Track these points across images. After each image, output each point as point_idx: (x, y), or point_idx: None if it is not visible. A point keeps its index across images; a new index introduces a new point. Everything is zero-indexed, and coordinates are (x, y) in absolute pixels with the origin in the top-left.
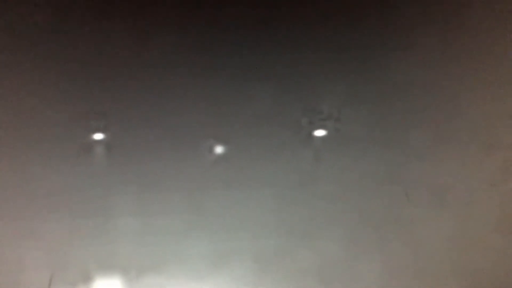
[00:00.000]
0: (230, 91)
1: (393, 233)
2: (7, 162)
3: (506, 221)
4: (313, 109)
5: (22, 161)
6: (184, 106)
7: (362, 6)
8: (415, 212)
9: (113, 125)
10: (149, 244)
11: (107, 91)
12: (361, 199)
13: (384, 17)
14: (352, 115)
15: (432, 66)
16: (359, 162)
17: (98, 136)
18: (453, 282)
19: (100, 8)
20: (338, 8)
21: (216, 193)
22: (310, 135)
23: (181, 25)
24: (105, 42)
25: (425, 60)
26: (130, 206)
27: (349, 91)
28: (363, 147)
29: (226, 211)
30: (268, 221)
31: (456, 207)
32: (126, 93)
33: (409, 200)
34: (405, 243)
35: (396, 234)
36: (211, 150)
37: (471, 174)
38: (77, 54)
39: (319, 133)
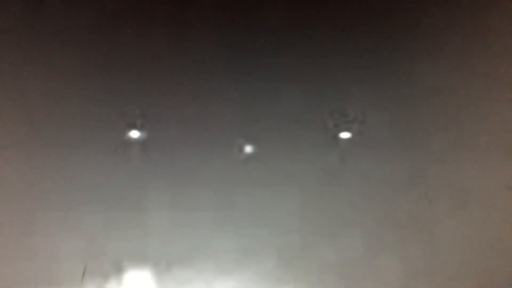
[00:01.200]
0: (261, 93)
1: (414, 234)
2: (47, 157)
3: None
4: (339, 112)
5: (61, 156)
6: (217, 106)
7: (388, 11)
8: (436, 213)
9: (149, 123)
10: (180, 238)
11: (145, 91)
12: (383, 199)
13: (409, 22)
14: (376, 119)
15: (455, 71)
16: (382, 164)
17: (134, 133)
18: (472, 283)
19: (142, 10)
20: (366, 12)
21: (244, 191)
22: (336, 137)
23: (218, 28)
24: (144, 42)
25: (448, 65)
26: (163, 201)
27: (374, 95)
28: (386, 149)
29: (254, 208)
30: (293, 218)
31: (476, 209)
32: (162, 93)
33: (430, 202)
34: (425, 243)
35: (417, 234)
36: (241, 149)
37: (491, 177)
38: (117, 54)
39: (345, 135)
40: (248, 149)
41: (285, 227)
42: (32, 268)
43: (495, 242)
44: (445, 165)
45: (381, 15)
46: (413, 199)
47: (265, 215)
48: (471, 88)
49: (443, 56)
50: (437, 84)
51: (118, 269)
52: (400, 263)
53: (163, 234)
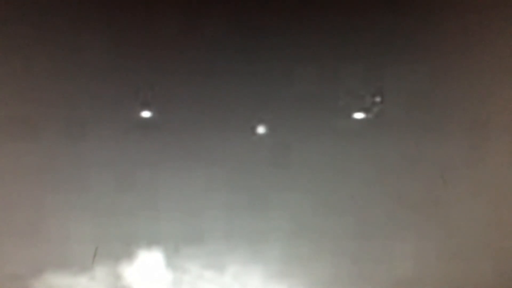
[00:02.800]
0: (275, 73)
1: (429, 215)
2: (58, 138)
3: None
4: (353, 93)
5: (71, 136)
6: (230, 87)
7: None
8: (451, 194)
9: (161, 104)
10: (190, 220)
11: (157, 72)
12: (399, 181)
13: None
14: (392, 99)
15: (474, 50)
16: (397, 145)
17: (146, 114)
18: (487, 265)
19: None
20: None
21: (257, 172)
22: (350, 118)
23: (231, 8)
24: (156, 24)
25: (466, 52)
26: (174, 182)
27: (390, 75)
28: (402, 131)
29: (267, 190)
30: (306, 200)
31: (492, 190)
32: (175, 73)
33: (445, 183)
34: (440, 225)
35: (432, 215)
36: (254, 130)
37: (507, 159)
38: (130, 33)
39: (359, 116)
40: (261, 130)
41: (298, 208)
42: (43, 250)
43: (511, 224)
44: (461, 146)
45: None
46: (429, 180)
47: (277, 197)
48: (490, 74)
49: (464, 41)
50: (455, 69)
51: (129, 251)
52: (415, 245)
53: (174, 215)
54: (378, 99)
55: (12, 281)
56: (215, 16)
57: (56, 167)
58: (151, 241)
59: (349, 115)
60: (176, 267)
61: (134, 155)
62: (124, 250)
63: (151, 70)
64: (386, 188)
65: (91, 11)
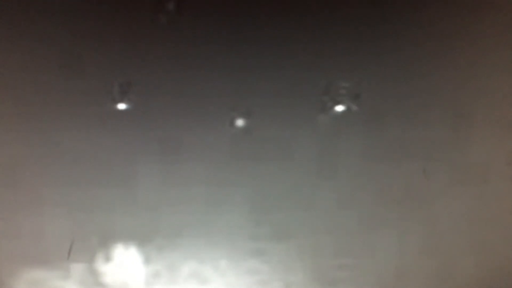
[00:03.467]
0: (255, 64)
1: (411, 210)
2: (32, 130)
3: None
4: (334, 84)
5: (45, 128)
6: (209, 77)
7: None
8: (433, 189)
9: (136, 94)
10: (169, 215)
11: (134, 63)
12: (379, 174)
13: None
14: (373, 91)
15: (455, 43)
16: (378, 138)
17: (122, 106)
18: (470, 260)
19: None
20: None
21: (237, 166)
22: (331, 110)
23: (211, 1)
24: (133, 15)
25: (449, 36)
26: (152, 176)
27: (371, 67)
28: (383, 123)
29: (247, 184)
30: (287, 195)
31: (474, 184)
32: (152, 63)
33: (427, 177)
34: (422, 220)
35: (414, 210)
36: (233, 122)
37: (490, 153)
38: (105, 23)
39: (339, 108)
40: (241, 122)
41: (279, 203)
42: (16, 245)
43: (494, 218)
44: (443, 140)
45: None
46: (411, 174)
47: (258, 192)
48: (472, 61)
49: (443, 27)
50: (436, 56)
51: (105, 246)
52: (397, 240)
53: (152, 210)
54: (359, 93)
55: None
56: (195, 8)
57: (29, 160)
58: (128, 236)
59: (330, 108)
60: (153, 262)
61: (110, 148)
62: (100, 245)
63: (127, 61)
64: (368, 182)
65: (66, 2)
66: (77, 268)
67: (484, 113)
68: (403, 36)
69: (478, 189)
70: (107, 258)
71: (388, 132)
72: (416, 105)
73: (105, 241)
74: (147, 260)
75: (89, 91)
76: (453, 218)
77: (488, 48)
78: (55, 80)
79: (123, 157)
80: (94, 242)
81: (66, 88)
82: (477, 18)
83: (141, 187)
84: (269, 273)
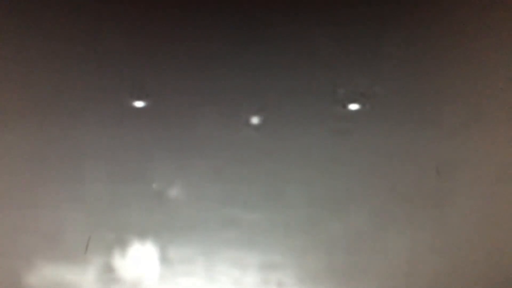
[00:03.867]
0: (269, 63)
1: (423, 208)
2: (50, 126)
3: None
4: (348, 83)
5: (64, 125)
6: (224, 76)
7: None
8: (445, 187)
9: (154, 93)
10: (184, 211)
11: (151, 62)
12: (392, 173)
13: None
14: (386, 90)
15: (468, 41)
16: (391, 137)
17: (139, 103)
18: (482, 258)
19: None
20: None
21: (251, 163)
22: (345, 109)
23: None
24: (150, 14)
25: (461, 35)
26: (168, 173)
27: (384, 66)
28: (396, 122)
29: (260, 181)
30: (300, 192)
31: (486, 183)
32: (168, 62)
33: (439, 176)
34: (434, 219)
35: (426, 209)
36: (248, 121)
37: (502, 151)
38: (122, 21)
39: (353, 107)
40: (255, 120)
41: (292, 201)
42: (34, 241)
43: (506, 217)
44: (455, 138)
45: None
46: (422, 173)
47: (271, 189)
48: (485, 60)
49: (456, 26)
50: (449, 56)
51: (122, 242)
52: (408, 239)
53: (169, 206)
54: (373, 91)
55: (4, 274)
56: (210, 7)
57: (47, 157)
58: (144, 232)
59: (344, 107)
60: (169, 257)
61: (127, 144)
62: (117, 241)
63: (145, 60)
64: (380, 180)
65: (84, 1)
66: (94, 263)
67: (498, 111)
68: (418, 35)
69: (491, 188)
70: (124, 253)
71: (401, 130)
72: (429, 103)
73: (121, 237)
74: (162, 255)
75: (106, 89)
76: (465, 217)
77: (504, 55)
78: (74, 79)
79: (139, 153)
80: (110, 238)
81: (85, 86)
82: (493, 14)
83: (157, 184)
84: (283, 267)
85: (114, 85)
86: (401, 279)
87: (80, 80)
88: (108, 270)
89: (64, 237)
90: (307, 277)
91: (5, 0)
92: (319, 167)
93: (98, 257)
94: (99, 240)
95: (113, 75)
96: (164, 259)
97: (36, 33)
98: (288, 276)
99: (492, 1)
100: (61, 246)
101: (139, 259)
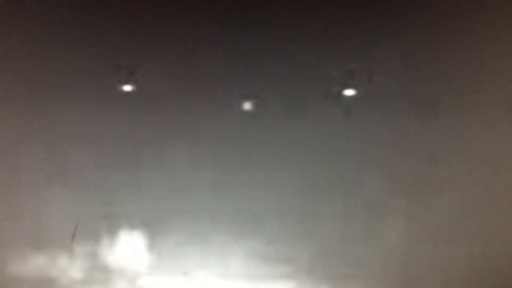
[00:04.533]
0: (262, 47)
1: (420, 196)
2: (37, 110)
3: None
4: (344, 69)
5: (52, 109)
6: (216, 61)
7: None
8: (442, 177)
9: (142, 77)
10: (174, 198)
11: (140, 46)
12: (388, 162)
13: None
14: (383, 76)
15: (467, 29)
16: (388, 124)
17: (127, 87)
18: (478, 248)
19: None
20: None
21: (244, 150)
22: (340, 95)
23: None
24: None
25: (461, 23)
26: (158, 160)
27: (381, 52)
28: (393, 109)
29: (253, 169)
30: (294, 180)
31: (483, 173)
32: (158, 46)
33: (436, 164)
34: (431, 206)
35: (423, 196)
36: (241, 106)
37: (499, 140)
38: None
39: (349, 92)
40: (248, 106)
41: (285, 189)
42: (19, 228)
43: (502, 206)
44: (452, 128)
45: None
46: (419, 162)
47: (264, 176)
48: (482, 50)
49: (453, 16)
50: (447, 45)
51: (110, 229)
52: (404, 228)
53: (157, 193)
54: (369, 77)
55: None
56: None
57: (34, 142)
58: (133, 219)
59: (340, 94)
60: (157, 246)
61: (115, 131)
62: (105, 228)
63: (133, 44)
64: (376, 169)
65: None
66: (81, 250)
67: (495, 102)
68: (417, 21)
69: (488, 178)
70: (112, 241)
71: (398, 119)
72: (426, 93)
73: (109, 225)
74: (151, 244)
75: (96, 74)
76: (461, 206)
77: (501, 43)
78: (63, 63)
79: (127, 140)
80: (98, 225)
81: (74, 70)
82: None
83: (146, 171)
84: (275, 256)
85: (103, 71)
86: (396, 267)
87: (69, 65)
88: (95, 258)
89: (51, 224)
90: (300, 266)
91: None
92: (313, 155)
93: (85, 245)
94: (87, 228)
95: (101, 59)
96: (152, 247)
97: (23, 17)
98: (282, 265)
99: None
100: (46, 235)
101: (127, 248)
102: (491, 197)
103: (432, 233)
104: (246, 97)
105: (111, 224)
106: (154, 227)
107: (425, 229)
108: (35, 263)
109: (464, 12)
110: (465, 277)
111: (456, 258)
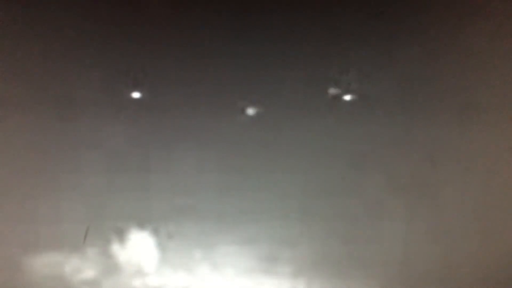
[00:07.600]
0: (264, 54)
1: (417, 198)
2: (48, 117)
3: None
4: (342, 74)
5: (63, 117)
6: (220, 67)
7: None
8: (440, 177)
9: (151, 84)
10: (182, 201)
11: (147, 52)
12: (387, 163)
13: None
14: (380, 80)
15: (461, 31)
16: (385, 127)
17: (136, 94)
18: (477, 247)
19: None
20: None
21: (247, 153)
22: (339, 99)
23: None
24: (147, 4)
25: (455, 25)
26: (165, 163)
27: (378, 57)
28: (390, 112)
29: (256, 171)
30: (295, 182)
31: (481, 172)
32: (165, 53)
33: (433, 165)
34: (429, 208)
35: (420, 198)
36: (244, 111)
37: (496, 140)
38: (120, 14)
39: (348, 97)
40: (251, 111)
41: (287, 190)
42: (33, 230)
43: (500, 206)
44: (449, 128)
45: None
46: (417, 162)
47: (267, 178)
48: (478, 50)
49: (450, 16)
50: (443, 45)
51: (120, 232)
52: (403, 228)
53: (165, 196)
54: (366, 81)
55: (3, 264)
56: None
57: (46, 147)
58: (142, 221)
59: (339, 97)
60: (166, 247)
61: (124, 135)
62: (115, 230)
63: (141, 50)
64: (375, 170)
65: None
66: (93, 252)
67: (491, 102)
68: (412, 25)
69: (485, 177)
70: (122, 242)
71: (396, 120)
72: (423, 93)
73: (120, 226)
74: (160, 245)
75: (104, 80)
76: (460, 206)
77: (499, 45)
78: (71, 69)
79: (136, 144)
80: (109, 227)
81: (83, 77)
82: (489, 16)
83: (154, 174)
84: (278, 256)
85: (111, 78)
86: (396, 268)
87: (78, 72)
88: (106, 259)
89: (62, 226)
90: (302, 267)
91: None
92: (315, 157)
93: (97, 246)
94: (98, 231)
95: (110, 66)
96: (162, 248)
97: (34, 25)
98: (283, 266)
99: None
100: (59, 237)
101: (137, 249)
102: (488, 197)
103: (432, 233)
104: (251, 102)
105: (122, 225)
106: (161, 227)
107: (425, 229)
108: (49, 263)
109: (464, 12)
110: (465, 276)
111: (455, 257)
